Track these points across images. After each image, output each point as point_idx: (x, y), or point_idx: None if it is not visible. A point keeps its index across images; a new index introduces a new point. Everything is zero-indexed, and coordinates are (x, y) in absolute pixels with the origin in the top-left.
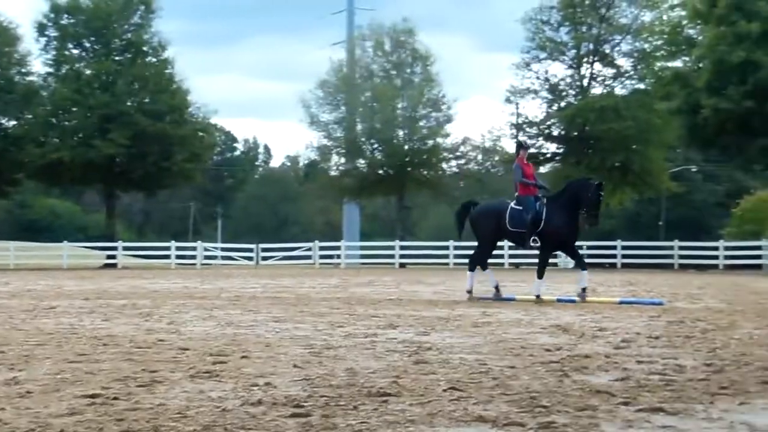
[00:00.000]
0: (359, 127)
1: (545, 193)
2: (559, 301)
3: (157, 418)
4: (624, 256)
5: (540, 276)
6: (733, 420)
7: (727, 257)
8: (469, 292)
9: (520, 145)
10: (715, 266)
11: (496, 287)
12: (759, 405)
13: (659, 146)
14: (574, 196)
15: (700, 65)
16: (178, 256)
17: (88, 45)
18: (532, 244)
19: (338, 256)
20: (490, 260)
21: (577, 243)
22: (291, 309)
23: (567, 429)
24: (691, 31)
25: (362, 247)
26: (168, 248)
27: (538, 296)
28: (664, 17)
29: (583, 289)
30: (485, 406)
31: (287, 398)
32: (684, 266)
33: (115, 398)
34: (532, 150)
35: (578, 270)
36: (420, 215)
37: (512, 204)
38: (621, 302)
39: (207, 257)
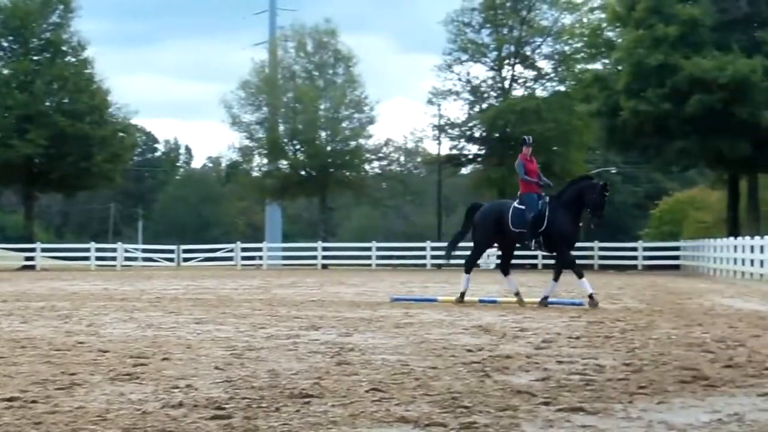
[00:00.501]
0: (281, 127)
1: (548, 191)
2: (481, 302)
3: (76, 421)
4: (545, 257)
5: (579, 276)
6: (652, 419)
7: (645, 258)
8: (463, 294)
9: (523, 142)
10: (634, 267)
11: (463, 293)
12: (676, 404)
13: (579, 148)
14: (578, 197)
15: (619, 68)
16: (98, 258)
17: (5, 44)
18: (533, 246)
19: (260, 258)
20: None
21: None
22: (212, 310)
23: (488, 429)
24: (611, 34)
25: (284, 249)
26: (88, 249)
27: (591, 295)
28: (584, 20)
29: (591, 296)
30: (407, 406)
31: (208, 400)
32: (604, 267)
33: (34, 401)
34: (453, 152)
35: (551, 276)
36: (342, 216)
37: (515, 203)
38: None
39: (127, 259)
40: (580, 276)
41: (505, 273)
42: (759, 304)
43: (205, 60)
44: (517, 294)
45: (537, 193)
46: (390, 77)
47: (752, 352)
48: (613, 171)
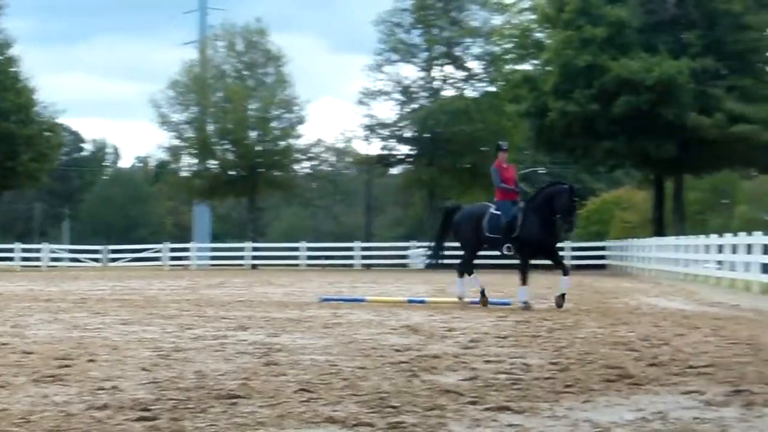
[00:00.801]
0: (210, 127)
1: (524, 197)
2: (410, 302)
3: None
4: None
5: (524, 282)
6: (577, 418)
7: (573, 258)
8: (460, 298)
9: (498, 147)
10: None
11: (482, 292)
12: (602, 403)
13: (509, 148)
14: (548, 201)
15: (548, 69)
16: (23, 258)
17: None
18: (506, 251)
19: (188, 258)
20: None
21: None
22: (139, 311)
23: (415, 429)
24: (540, 35)
25: (213, 249)
26: (12, 250)
27: (525, 302)
28: (514, 21)
29: (562, 295)
30: (335, 407)
31: (134, 402)
32: (531, 266)
33: None
34: (383, 152)
35: (559, 275)
36: (272, 216)
37: (492, 209)
38: (471, 303)
39: (53, 259)
40: (523, 283)
41: (469, 273)
42: (683, 304)
43: (134, 59)
44: (482, 293)
45: (513, 200)
46: (320, 77)
47: (676, 351)
48: (542, 171)
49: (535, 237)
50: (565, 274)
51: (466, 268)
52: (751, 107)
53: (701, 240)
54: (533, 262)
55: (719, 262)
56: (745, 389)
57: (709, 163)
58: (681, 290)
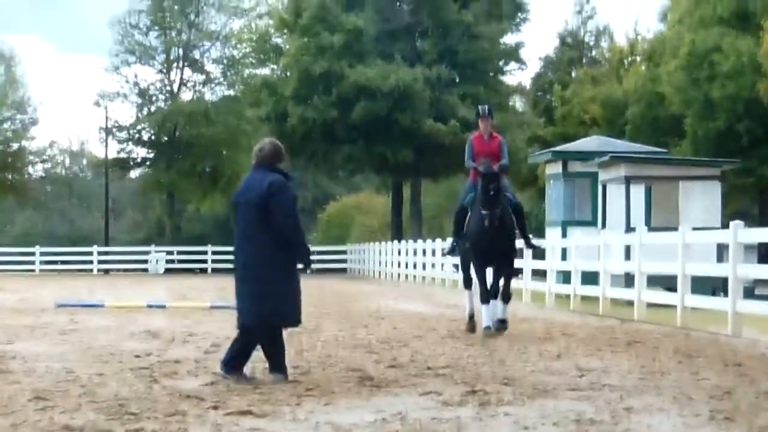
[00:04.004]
0: None
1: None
2: (149, 307)
3: None
4: (215, 261)
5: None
6: (319, 420)
7: (315, 261)
8: (488, 327)
9: (476, 114)
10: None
11: (471, 317)
12: (342, 405)
13: (249, 152)
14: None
15: (287, 74)
16: None
17: None
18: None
19: None
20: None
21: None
22: None
23: None
24: (279, 41)
25: None
26: None
27: (487, 327)
28: (253, 25)
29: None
30: (72, 414)
31: None
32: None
33: None
34: (121, 155)
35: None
36: (5, 220)
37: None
38: (212, 307)
39: None
40: (483, 300)
41: (468, 286)
42: (421, 306)
43: None
44: (470, 318)
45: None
46: (55, 78)
47: (414, 353)
48: (295, 174)
49: (472, 235)
50: (504, 300)
51: (465, 279)
52: None
53: (437, 244)
54: None
55: (455, 266)
56: (480, 389)
57: (444, 169)
58: (419, 293)
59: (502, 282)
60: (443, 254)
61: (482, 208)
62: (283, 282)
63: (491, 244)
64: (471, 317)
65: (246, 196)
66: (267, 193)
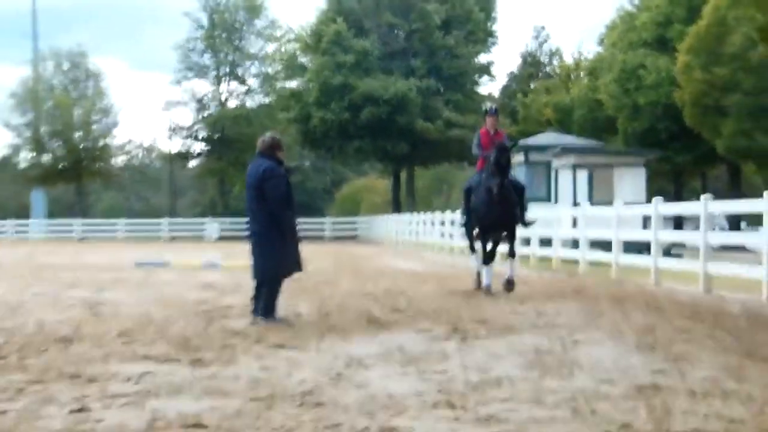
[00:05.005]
0: (43, 129)
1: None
2: (206, 265)
3: None
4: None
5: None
6: (337, 352)
7: (333, 230)
8: (488, 287)
9: (485, 112)
10: (322, 237)
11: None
12: (355, 340)
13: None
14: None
15: (311, 86)
16: None
17: None
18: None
19: (28, 231)
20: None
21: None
22: None
23: (213, 362)
24: (304, 60)
25: (48, 225)
26: None
27: (487, 286)
28: (283, 48)
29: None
30: (149, 347)
31: None
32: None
33: None
34: (183, 149)
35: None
36: (95, 199)
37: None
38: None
39: None
40: (485, 262)
41: (472, 249)
42: (415, 264)
43: None
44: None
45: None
46: (130, 90)
47: (411, 300)
48: (307, 163)
49: (479, 208)
50: (510, 256)
51: (470, 244)
52: (462, 116)
53: (428, 216)
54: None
55: (441, 233)
56: (461, 327)
57: (432, 158)
58: (414, 254)
59: (507, 247)
60: (460, 225)
61: (492, 176)
62: (281, 245)
63: (496, 215)
64: (478, 274)
65: (248, 180)
66: (261, 178)
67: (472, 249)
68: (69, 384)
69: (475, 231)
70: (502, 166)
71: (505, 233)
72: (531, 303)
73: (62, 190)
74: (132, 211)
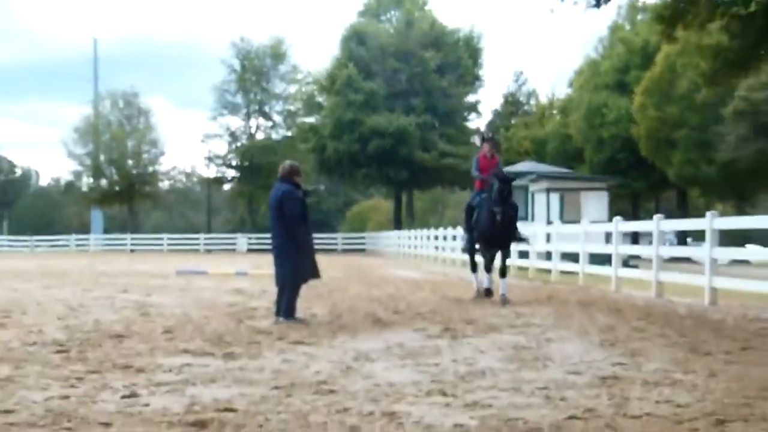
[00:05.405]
0: (101, 158)
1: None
2: (237, 274)
3: None
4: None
5: (486, 270)
6: (347, 347)
7: (344, 244)
8: (488, 289)
9: (482, 138)
10: (335, 250)
11: (484, 289)
12: (362, 337)
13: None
14: (492, 193)
15: (326, 121)
16: None
17: None
18: (463, 242)
19: (88, 244)
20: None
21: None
22: (55, 280)
23: (241, 356)
24: (320, 99)
25: (105, 239)
26: None
27: (487, 289)
28: (303, 89)
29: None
30: (188, 343)
31: (53, 340)
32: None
33: None
34: (218, 174)
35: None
36: (144, 217)
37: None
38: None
39: None
40: (487, 271)
41: (473, 268)
42: (414, 273)
43: (50, 111)
44: (478, 289)
45: (482, 189)
46: (174, 124)
47: (409, 304)
48: (322, 187)
49: (483, 228)
50: (502, 276)
51: (471, 262)
52: (455, 148)
53: (425, 232)
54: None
55: (435, 246)
56: (452, 327)
57: (429, 183)
58: (412, 265)
59: (500, 262)
60: (462, 250)
61: (495, 205)
62: (298, 256)
63: (498, 234)
64: (478, 291)
65: (270, 201)
66: (280, 199)
67: (473, 267)
68: (121, 373)
69: (477, 246)
70: (504, 196)
71: (500, 250)
72: (511, 306)
73: (117, 209)
74: (174, 228)
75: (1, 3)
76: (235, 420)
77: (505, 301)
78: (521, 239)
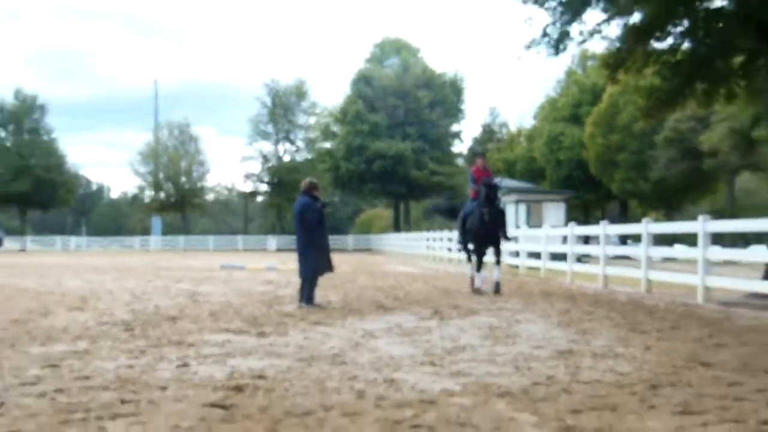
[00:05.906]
0: (160, 175)
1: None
2: (268, 268)
3: (50, 332)
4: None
5: (476, 269)
6: (356, 327)
7: (353, 244)
8: (478, 289)
9: (474, 154)
10: (346, 249)
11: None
12: (369, 319)
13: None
14: (481, 197)
15: (340, 146)
16: (61, 244)
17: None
18: (458, 244)
19: (149, 245)
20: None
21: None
22: (123, 273)
23: (271, 334)
24: (335, 129)
25: (163, 240)
26: (54, 240)
27: (478, 288)
28: (320, 121)
29: (496, 283)
30: (229, 323)
31: (122, 321)
32: (478, 256)
33: (26, 321)
34: (253, 189)
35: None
36: (194, 223)
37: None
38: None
39: (77, 246)
40: (477, 270)
41: (468, 259)
42: (410, 269)
43: (120, 138)
44: (473, 283)
45: (474, 200)
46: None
47: (407, 293)
48: (336, 199)
49: (474, 228)
50: (497, 263)
51: (467, 256)
52: (442, 167)
53: (418, 235)
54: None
55: (427, 247)
56: (440, 311)
57: (422, 196)
58: (409, 262)
59: (494, 257)
60: (458, 249)
61: (483, 206)
62: (315, 254)
63: (486, 232)
64: (472, 279)
65: (294, 211)
66: (301, 210)
67: (469, 259)
68: (175, 348)
69: (470, 245)
70: (491, 199)
71: (492, 247)
72: (487, 295)
73: (172, 216)
74: (218, 231)
75: (84, 54)
76: (266, 385)
77: (497, 287)
78: (509, 238)
